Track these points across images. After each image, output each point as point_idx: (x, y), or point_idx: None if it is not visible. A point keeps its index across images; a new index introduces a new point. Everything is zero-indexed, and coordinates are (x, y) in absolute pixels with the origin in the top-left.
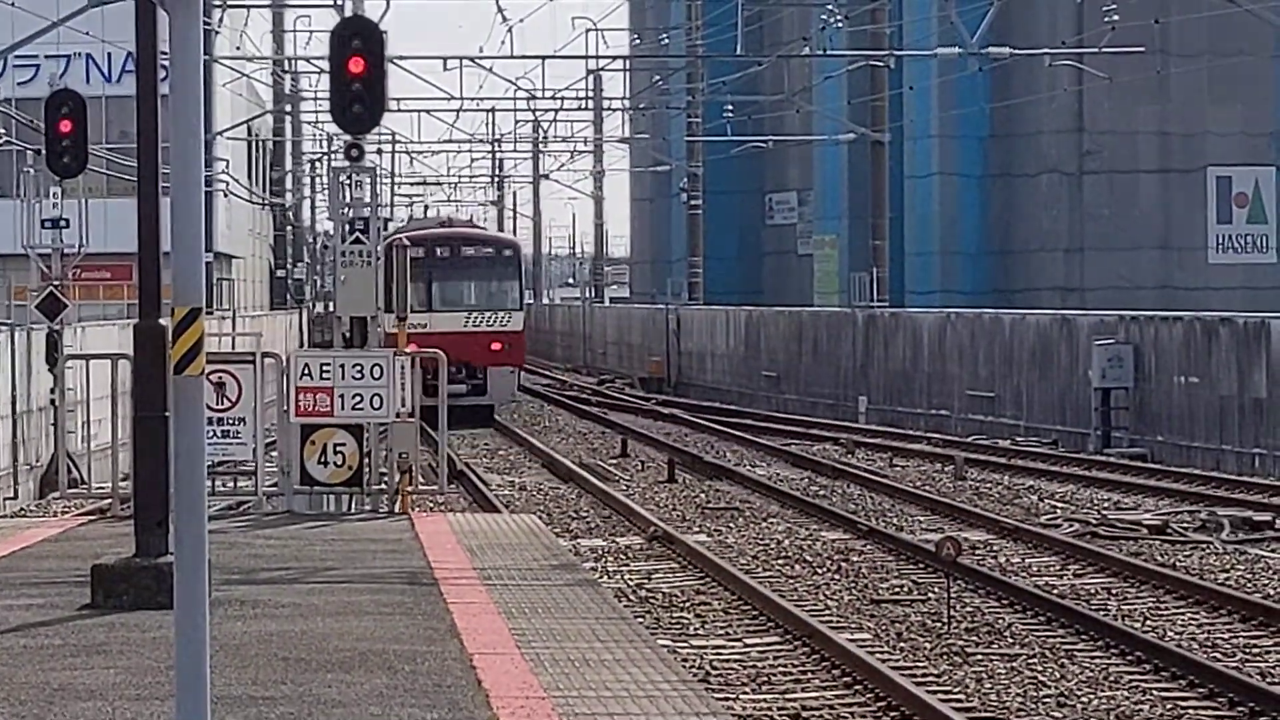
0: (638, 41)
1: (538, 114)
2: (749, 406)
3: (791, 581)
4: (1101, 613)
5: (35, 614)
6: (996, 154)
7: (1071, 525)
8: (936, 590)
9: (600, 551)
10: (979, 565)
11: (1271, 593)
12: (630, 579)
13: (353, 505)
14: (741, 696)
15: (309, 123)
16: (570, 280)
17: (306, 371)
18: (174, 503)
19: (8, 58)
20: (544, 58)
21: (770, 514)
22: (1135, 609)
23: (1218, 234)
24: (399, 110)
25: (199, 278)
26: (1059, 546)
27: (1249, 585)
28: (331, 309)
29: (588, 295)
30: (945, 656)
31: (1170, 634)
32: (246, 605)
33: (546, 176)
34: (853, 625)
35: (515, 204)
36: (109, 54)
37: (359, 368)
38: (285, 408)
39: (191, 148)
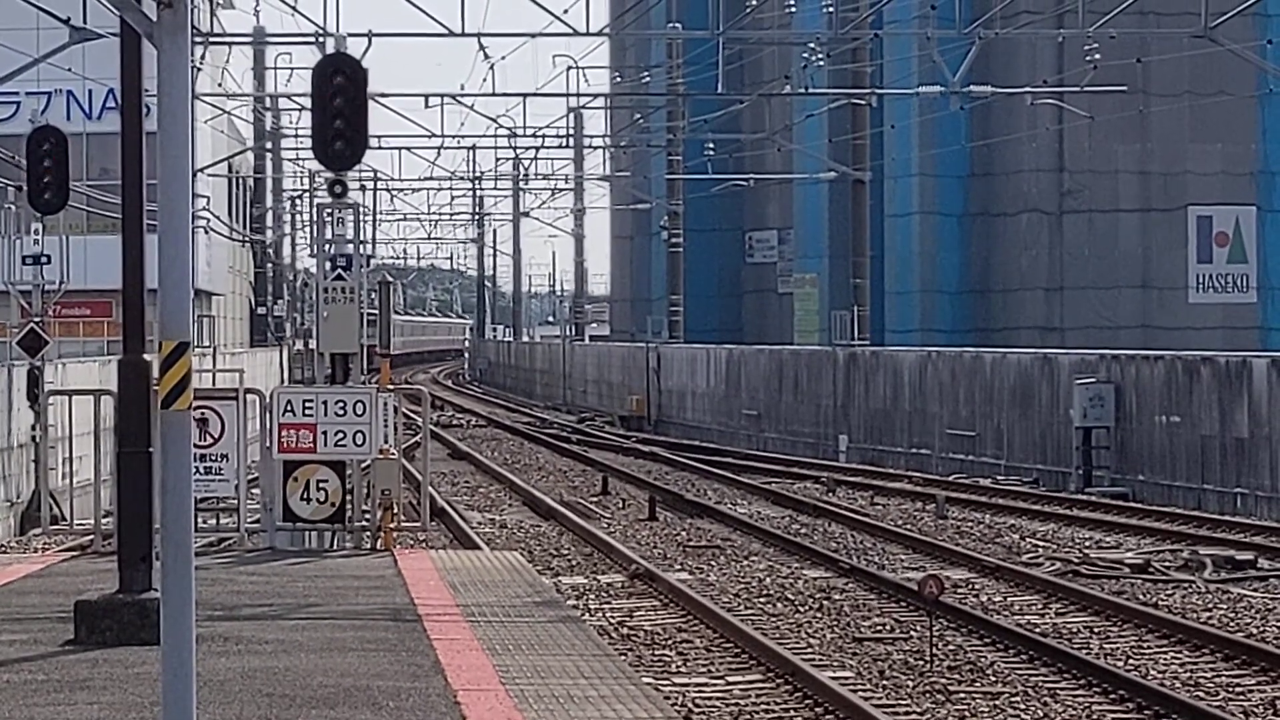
0: (619, 79)
1: (518, 151)
2: (730, 445)
3: (773, 619)
4: (1084, 651)
5: (18, 649)
6: (977, 193)
7: (1053, 564)
8: (918, 628)
9: (582, 589)
10: (961, 604)
11: (1254, 632)
12: (612, 616)
13: (335, 542)
14: None
15: (290, 159)
16: (550, 318)
17: (289, 408)
18: (160, 537)
19: None
20: (525, 95)
21: (752, 552)
22: (1118, 648)
23: (1198, 273)
24: (380, 148)
25: (186, 312)
26: (1041, 585)
27: (1232, 624)
28: (312, 346)
29: (568, 333)
30: (927, 695)
31: (1153, 673)
32: (230, 641)
33: (527, 214)
34: (835, 663)
35: (496, 241)
36: (90, 90)
37: (341, 404)
38: (268, 444)
39: (178, 181)
